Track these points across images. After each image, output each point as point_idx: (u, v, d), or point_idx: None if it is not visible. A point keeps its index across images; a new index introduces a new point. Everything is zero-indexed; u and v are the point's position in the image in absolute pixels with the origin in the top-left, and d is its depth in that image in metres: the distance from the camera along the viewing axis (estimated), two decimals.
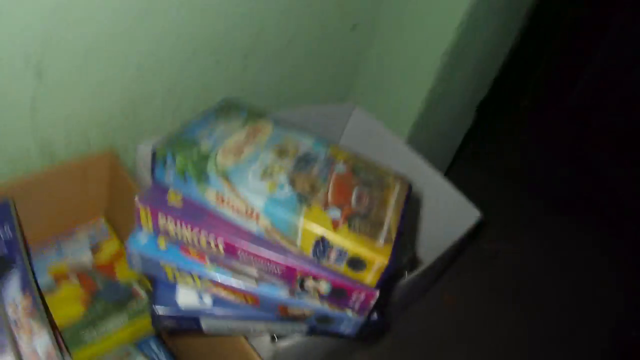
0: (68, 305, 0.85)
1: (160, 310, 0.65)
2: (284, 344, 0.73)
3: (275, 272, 0.63)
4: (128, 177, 0.89)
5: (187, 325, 0.67)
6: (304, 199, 0.60)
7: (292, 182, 0.63)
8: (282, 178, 0.63)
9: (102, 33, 0.80)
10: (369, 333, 0.70)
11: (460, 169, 1.80)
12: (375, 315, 0.68)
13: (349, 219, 0.60)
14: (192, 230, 0.62)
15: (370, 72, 1.32)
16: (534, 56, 2.73)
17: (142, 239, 0.65)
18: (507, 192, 2.15)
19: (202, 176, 0.61)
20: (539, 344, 1.49)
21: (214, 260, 0.64)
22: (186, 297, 0.66)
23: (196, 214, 0.63)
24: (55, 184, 0.90)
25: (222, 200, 0.61)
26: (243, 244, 0.61)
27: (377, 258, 0.57)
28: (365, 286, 0.61)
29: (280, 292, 0.65)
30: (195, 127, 0.69)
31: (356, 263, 0.59)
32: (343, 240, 0.57)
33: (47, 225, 0.94)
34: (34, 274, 0.76)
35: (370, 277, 0.59)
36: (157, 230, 0.64)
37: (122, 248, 0.95)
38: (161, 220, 0.63)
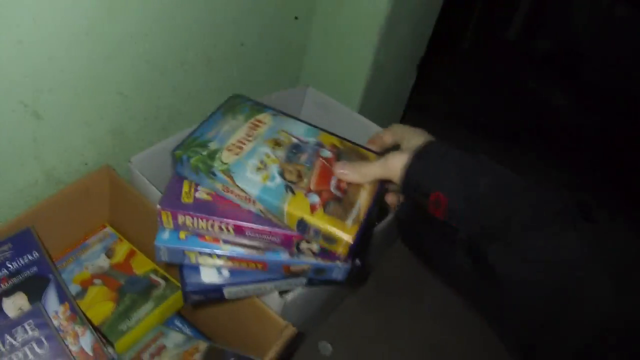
0: (99, 304, 1.03)
1: (190, 288, 0.85)
2: (289, 296, 0.94)
3: (276, 241, 0.83)
4: (127, 185, 1.08)
5: (212, 296, 0.87)
6: (290, 187, 0.78)
7: (282, 173, 0.80)
8: (274, 170, 0.80)
9: (84, 75, 0.99)
10: (355, 277, 0.91)
11: (411, 122, 2.00)
12: (357, 262, 0.90)
13: (326, 204, 0.77)
14: (206, 221, 0.82)
15: (317, 55, 1.54)
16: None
17: (165, 235, 0.84)
18: (457, 136, 2.37)
19: (210, 173, 0.80)
20: None
21: (227, 240, 0.85)
22: (209, 274, 0.86)
23: (206, 207, 0.83)
24: (63, 206, 1.07)
25: (227, 190, 0.81)
26: (248, 224, 0.82)
27: (345, 237, 0.77)
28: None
29: (282, 256, 0.86)
30: (205, 128, 0.86)
31: (329, 239, 0.79)
32: (317, 222, 0.76)
33: (63, 242, 1.12)
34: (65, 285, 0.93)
35: (340, 249, 0.79)
36: (177, 227, 0.84)
37: (132, 247, 1.14)
38: (180, 218, 0.83)
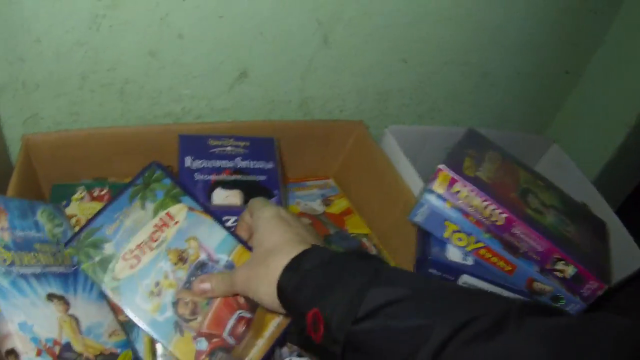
0: None
1: (433, 259, 0.86)
2: None
3: (538, 249, 0.83)
4: (378, 147, 1.09)
5: (447, 275, 0.87)
6: (179, 325, 0.68)
7: (176, 304, 0.69)
8: (168, 298, 0.69)
9: (386, 23, 1.05)
10: None
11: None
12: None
13: (212, 353, 0.68)
14: (482, 200, 0.84)
15: (570, 113, 1.55)
16: None
17: (432, 197, 0.86)
18: None
19: (100, 286, 0.69)
20: None
21: (489, 229, 0.85)
22: (454, 254, 0.87)
23: (486, 187, 0.84)
24: (302, 136, 1.10)
25: (118, 311, 0.71)
26: (520, 220, 0.83)
27: None
28: (599, 279, 0.83)
29: (533, 268, 0.86)
30: (106, 217, 0.72)
31: None
32: None
33: (286, 170, 1.14)
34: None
35: None
36: (447, 193, 0.85)
37: (351, 207, 1.15)
38: (456, 186, 0.84)
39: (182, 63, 0.96)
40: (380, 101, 1.19)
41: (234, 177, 0.91)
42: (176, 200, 0.74)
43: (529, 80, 1.39)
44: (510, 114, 1.48)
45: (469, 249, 0.87)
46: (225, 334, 0.69)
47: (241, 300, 0.72)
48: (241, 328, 0.70)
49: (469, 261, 0.88)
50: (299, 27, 0.99)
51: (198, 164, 0.90)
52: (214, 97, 1.05)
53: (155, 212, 0.73)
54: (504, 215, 0.83)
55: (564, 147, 1.45)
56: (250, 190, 0.90)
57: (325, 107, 1.15)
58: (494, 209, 0.83)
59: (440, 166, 0.85)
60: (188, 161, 0.89)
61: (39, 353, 0.59)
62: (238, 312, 0.71)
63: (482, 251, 0.86)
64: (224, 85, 1.04)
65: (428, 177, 0.87)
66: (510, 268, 0.86)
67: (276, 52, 1.02)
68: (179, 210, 0.74)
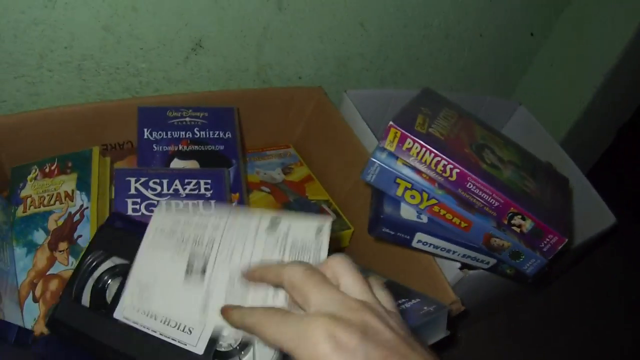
0: (260, 208, 1.01)
1: (385, 217, 0.84)
2: (472, 272, 0.91)
3: (494, 204, 0.81)
4: (338, 113, 1.07)
5: (400, 236, 0.85)
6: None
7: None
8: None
9: None
10: (540, 280, 0.88)
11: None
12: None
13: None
14: (433, 156, 0.81)
15: (538, 76, 1.54)
16: None
17: (382, 155, 0.84)
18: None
19: None
20: None
21: (443, 185, 0.83)
22: (407, 213, 0.85)
23: (438, 143, 0.81)
24: (261, 104, 1.09)
25: None
26: (473, 175, 0.81)
27: None
28: (558, 232, 0.80)
29: (490, 223, 0.84)
30: None
31: None
32: None
33: (246, 140, 1.12)
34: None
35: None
36: (398, 150, 0.82)
37: (311, 174, 1.13)
38: (407, 143, 0.81)
39: (137, 36, 0.94)
40: (340, 66, 1.17)
41: (191, 147, 0.91)
42: None
43: (493, 43, 1.36)
44: (475, 77, 1.47)
45: (422, 206, 0.84)
46: None
47: None
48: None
49: (424, 219, 0.85)
50: None
51: (157, 135, 0.90)
52: (170, 69, 1.03)
53: None
54: (457, 170, 0.81)
55: (531, 110, 1.43)
56: (208, 160, 0.90)
57: (284, 75, 1.12)
58: (445, 165, 0.81)
59: (391, 123, 0.82)
60: (146, 133, 0.90)
61: None
62: None
63: (435, 208, 0.84)
64: (180, 57, 1.02)
65: None
66: (466, 224, 0.84)
67: (230, 20, 0.99)
68: None
